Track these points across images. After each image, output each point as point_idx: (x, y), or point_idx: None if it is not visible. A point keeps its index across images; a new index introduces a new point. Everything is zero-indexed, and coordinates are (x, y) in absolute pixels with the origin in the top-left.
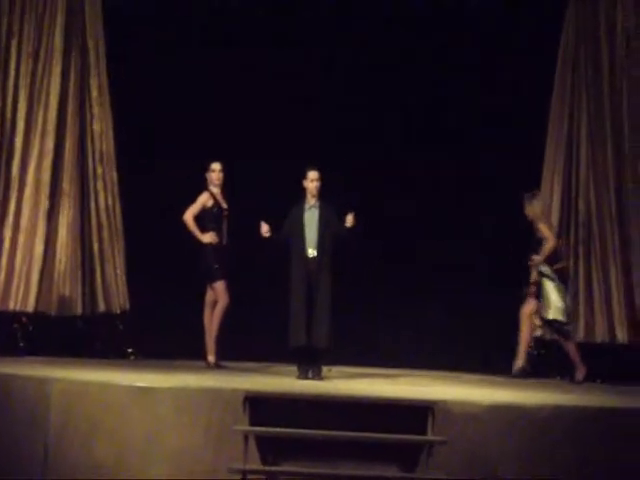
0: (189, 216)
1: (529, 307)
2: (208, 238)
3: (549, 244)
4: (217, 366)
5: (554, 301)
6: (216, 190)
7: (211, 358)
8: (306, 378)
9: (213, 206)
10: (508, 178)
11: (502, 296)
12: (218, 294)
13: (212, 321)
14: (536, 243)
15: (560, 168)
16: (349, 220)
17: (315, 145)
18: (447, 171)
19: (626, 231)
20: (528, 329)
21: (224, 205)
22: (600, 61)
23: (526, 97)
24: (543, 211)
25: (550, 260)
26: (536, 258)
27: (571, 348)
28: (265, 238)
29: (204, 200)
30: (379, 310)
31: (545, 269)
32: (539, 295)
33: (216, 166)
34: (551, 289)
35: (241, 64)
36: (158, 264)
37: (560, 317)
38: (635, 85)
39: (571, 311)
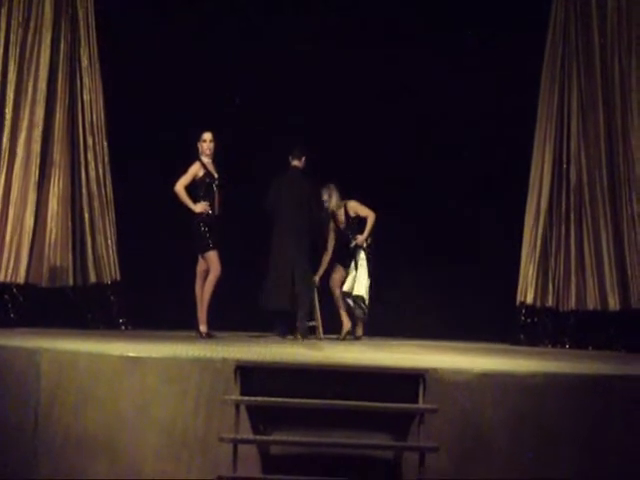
0: (180, 187)
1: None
2: (200, 208)
3: (372, 219)
4: (209, 336)
5: (364, 280)
6: (207, 160)
7: (203, 328)
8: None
9: (204, 176)
10: (499, 151)
11: (492, 263)
12: (210, 264)
13: (204, 291)
14: (354, 224)
15: (551, 138)
16: None
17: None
18: (440, 151)
19: (617, 198)
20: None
21: (215, 175)
22: (591, 31)
23: (517, 69)
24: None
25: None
26: (360, 237)
27: (350, 321)
28: None
29: (195, 170)
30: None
31: (365, 247)
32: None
33: (207, 136)
34: (364, 268)
35: (232, 30)
36: (149, 234)
37: (365, 297)
38: (627, 57)
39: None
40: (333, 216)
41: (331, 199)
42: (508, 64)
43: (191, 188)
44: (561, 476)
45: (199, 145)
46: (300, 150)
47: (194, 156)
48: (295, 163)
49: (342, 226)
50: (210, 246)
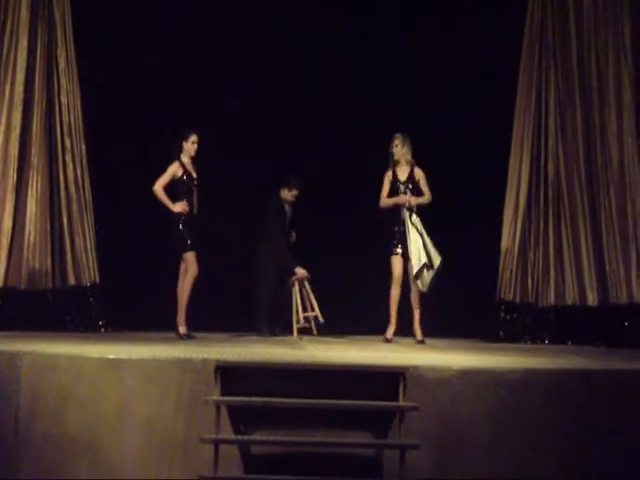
0: (159, 187)
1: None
2: (178, 208)
3: (428, 199)
4: (188, 337)
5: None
6: (187, 160)
7: (182, 329)
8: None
9: (183, 176)
10: (476, 149)
11: (470, 259)
12: (188, 265)
13: (182, 292)
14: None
15: (529, 134)
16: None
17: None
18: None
19: (595, 193)
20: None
21: (194, 175)
22: (568, 28)
23: (494, 67)
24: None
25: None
26: (415, 199)
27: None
28: None
29: (174, 170)
30: (347, 279)
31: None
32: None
33: (195, 138)
34: (426, 234)
35: (211, 34)
36: (128, 236)
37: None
38: (604, 54)
39: None
40: (394, 166)
41: (402, 148)
42: (485, 61)
43: (170, 188)
44: (543, 471)
45: (185, 145)
46: (289, 181)
47: (173, 156)
48: (282, 191)
49: (402, 179)
50: (188, 247)
